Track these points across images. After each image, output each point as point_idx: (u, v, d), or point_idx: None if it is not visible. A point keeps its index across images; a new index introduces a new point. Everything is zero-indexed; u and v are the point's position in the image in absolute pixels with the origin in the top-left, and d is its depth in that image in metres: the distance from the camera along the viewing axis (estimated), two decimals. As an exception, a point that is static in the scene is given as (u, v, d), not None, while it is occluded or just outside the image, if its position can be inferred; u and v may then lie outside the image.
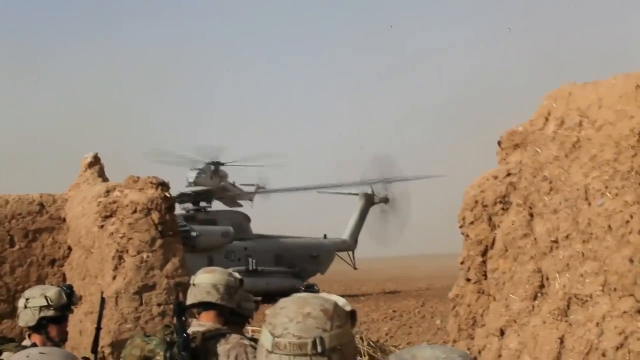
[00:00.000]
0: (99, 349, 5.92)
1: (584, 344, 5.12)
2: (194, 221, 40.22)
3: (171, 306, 9.18)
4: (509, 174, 5.91)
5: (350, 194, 48.18)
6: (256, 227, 43.50)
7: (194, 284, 4.79)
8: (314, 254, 44.53)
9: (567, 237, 5.31)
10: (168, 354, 4.53)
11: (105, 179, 10.86)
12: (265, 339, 2.22)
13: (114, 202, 9.71)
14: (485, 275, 6.01)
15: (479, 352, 5.93)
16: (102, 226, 9.67)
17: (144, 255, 9.48)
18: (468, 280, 6.12)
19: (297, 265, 43.44)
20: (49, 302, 5.19)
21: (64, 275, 10.39)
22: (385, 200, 47.48)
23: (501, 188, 5.93)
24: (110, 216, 9.68)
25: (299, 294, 2.31)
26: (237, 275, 4.90)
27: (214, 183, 42.49)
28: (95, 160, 11.07)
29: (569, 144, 5.36)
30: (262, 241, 42.69)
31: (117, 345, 8.97)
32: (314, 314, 2.21)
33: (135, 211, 9.59)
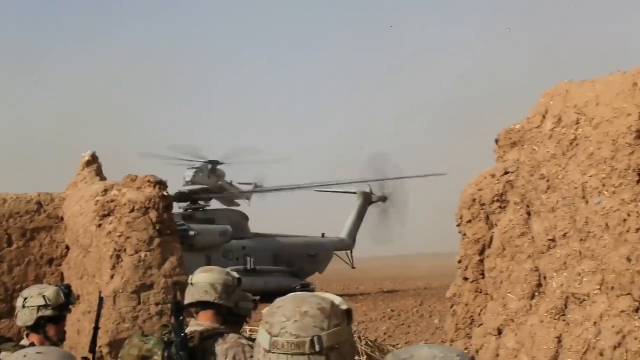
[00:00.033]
0: (97, 348, 5.91)
1: (581, 343, 5.12)
2: (192, 220, 40.12)
3: (169, 306, 9.16)
4: (506, 173, 5.90)
5: (348, 192, 48.10)
6: (254, 226, 43.48)
7: (192, 284, 4.79)
8: (313, 253, 44.42)
9: (564, 235, 5.31)
10: (166, 354, 4.53)
11: (103, 178, 10.84)
12: (263, 339, 2.22)
13: (112, 201, 9.69)
14: (482, 275, 6.00)
15: (477, 352, 5.93)
16: (100, 225, 9.65)
17: (142, 254, 9.47)
18: (466, 279, 6.12)
19: (295, 264, 43.33)
20: (47, 301, 5.18)
21: (62, 274, 10.38)
22: (384, 199, 47.41)
23: (499, 187, 5.92)
24: (108, 215, 9.66)
25: (295, 293, 2.31)
26: (235, 274, 4.89)
27: (211, 182, 42.42)
28: (93, 159, 11.06)
29: (566, 142, 5.35)
30: (260, 240, 42.58)
31: (115, 345, 8.96)
32: (311, 312, 2.21)
33: (133, 210, 9.58)
